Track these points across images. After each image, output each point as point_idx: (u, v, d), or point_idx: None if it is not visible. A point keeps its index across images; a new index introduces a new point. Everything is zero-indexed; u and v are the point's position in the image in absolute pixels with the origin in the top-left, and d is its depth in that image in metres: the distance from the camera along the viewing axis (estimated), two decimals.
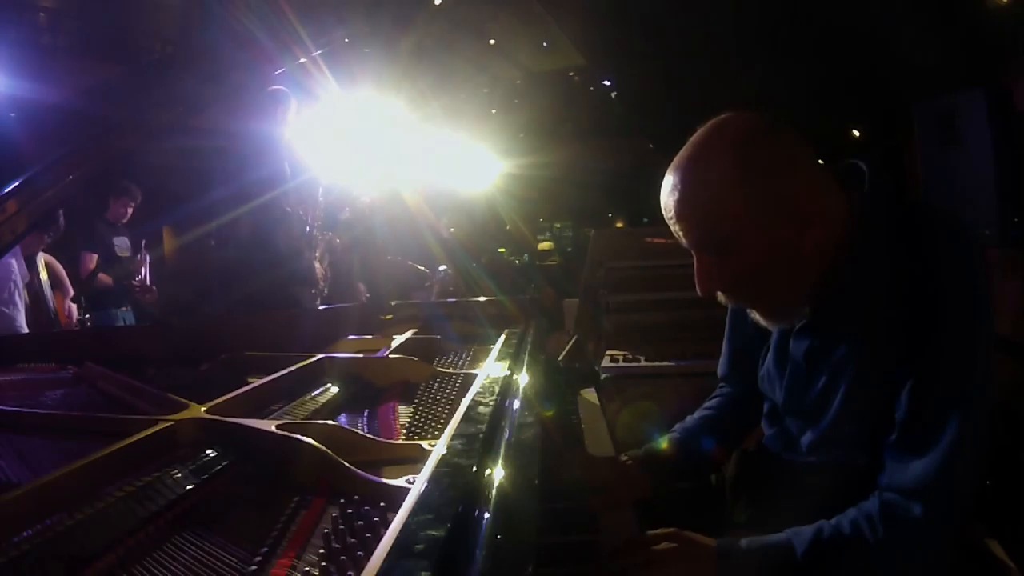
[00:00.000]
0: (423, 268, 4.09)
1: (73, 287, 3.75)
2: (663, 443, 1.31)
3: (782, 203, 0.90)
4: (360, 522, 0.73)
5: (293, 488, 0.84)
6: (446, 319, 2.12)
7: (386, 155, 3.34)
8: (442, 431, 0.98)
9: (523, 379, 1.31)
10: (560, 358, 2.15)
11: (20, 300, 3.19)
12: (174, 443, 0.95)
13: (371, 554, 0.57)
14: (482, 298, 2.34)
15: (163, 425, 0.96)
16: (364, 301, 3.66)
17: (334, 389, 1.32)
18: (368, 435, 1.02)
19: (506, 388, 1.15)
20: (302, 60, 1.47)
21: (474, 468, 0.77)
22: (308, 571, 0.67)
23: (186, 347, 1.66)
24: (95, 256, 3.90)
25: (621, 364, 2.49)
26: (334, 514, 0.75)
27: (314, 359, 1.43)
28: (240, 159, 2.65)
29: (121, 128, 1.27)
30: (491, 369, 1.32)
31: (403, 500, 0.67)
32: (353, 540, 0.70)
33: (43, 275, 3.43)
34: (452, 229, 4.33)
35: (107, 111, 1.33)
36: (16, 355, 1.60)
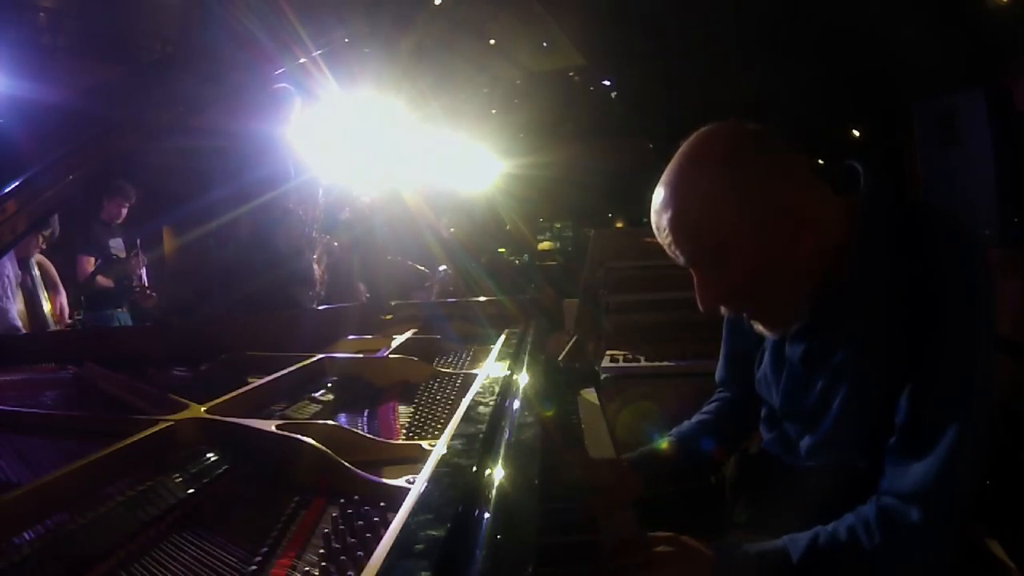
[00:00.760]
0: (423, 268, 4.09)
1: (71, 289, 3.75)
2: (662, 444, 1.31)
3: (773, 211, 0.89)
4: (360, 522, 0.73)
5: (293, 488, 0.84)
6: (446, 319, 2.12)
7: (386, 155, 3.34)
8: (442, 431, 0.98)
9: (523, 379, 1.31)
10: (560, 358, 2.15)
11: (12, 294, 3.19)
12: (174, 443, 0.95)
13: (371, 554, 0.57)
14: (482, 298, 2.34)
15: (163, 425, 0.96)
16: (364, 301, 3.67)
17: (334, 389, 1.32)
18: (368, 435, 1.02)
19: (506, 388, 1.15)
20: (302, 60, 1.47)
21: (474, 468, 0.77)
22: (308, 571, 0.67)
23: (186, 347, 1.66)
24: (92, 259, 3.90)
25: (621, 364, 2.49)
26: (334, 514, 0.75)
27: (314, 359, 1.43)
28: (240, 159, 2.65)
29: (121, 128, 1.27)
30: (491, 369, 1.32)
31: (403, 500, 0.67)
32: (353, 540, 0.70)
33: (36, 274, 3.43)
34: (452, 229, 4.33)
35: (107, 111, 1.32)
36: (16, 355, 1.60)
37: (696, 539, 0.94)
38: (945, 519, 0.84)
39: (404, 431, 1.12)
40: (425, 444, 0.96)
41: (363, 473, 0.84)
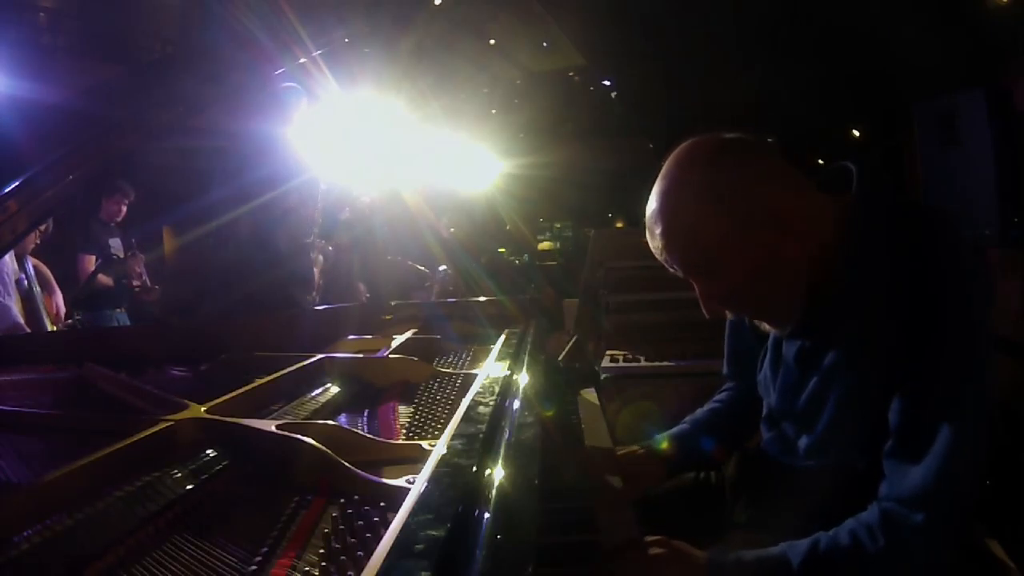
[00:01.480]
0: (423, 268, 4.09)
1: (70, 288, 3.75)
2: (663, 443, 1.31)
3: (759, 218, 0.91)
4: (360, 522, 0.73)
5: (293, 488, 0.84)
6: (446, 319, 2.12)
7: (386, 155, 3.34)
8: (442, 431, 0.98)
9: (523, 379, 1.31)
10: (560, 358, 2.15)
11: (12, 291, 3.19)
12: (174, 443, 0.95)
13: (371, 554, 0.57)
14: (482, 298, 2.34)
15: (163, 425, 0.96)
16: (364, 301, 3.66)
17: (334, 389, 1.32)
18: (368, 435, 1.02)
19: (506, 388, 1.15)
20: (302, 60, 1.47)
21: (474, 468, 0.77)
22: (308, 571, 0.67)
23: (186, 347, 1.66)
24: (92, 258, 3.90)
25: (621, 364, 2.49)
26: (334, 514, 0.75)
27: (314, 359, 1.43)
28: (240, 159, 2.65)
29: (121, 128, 1.27)
30: (491, 369, 1.32)
31: (403, 500, 0.67)
32: (353, 540, 0.70)
33: (31, 272, 3.43)
34: (452, 229, 4.33)
35: (107, 111, 1.32)
36: (16, 355, 1.59)
37: (696, 539, 0.95)
38: (947, 521, 0.83)
39: (404, 431, 1.12)
40: (425, 444, 0.96)
41: (363, 473, 0.84)
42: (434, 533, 0.59)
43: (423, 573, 0.52)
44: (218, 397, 1.09)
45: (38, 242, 3.51)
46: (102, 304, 3.92)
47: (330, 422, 1.04)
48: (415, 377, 1.39)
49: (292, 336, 1.77)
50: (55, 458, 0.92)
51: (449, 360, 1.68)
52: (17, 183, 1.12)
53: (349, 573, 0.65)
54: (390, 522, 0.63)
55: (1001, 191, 3.82)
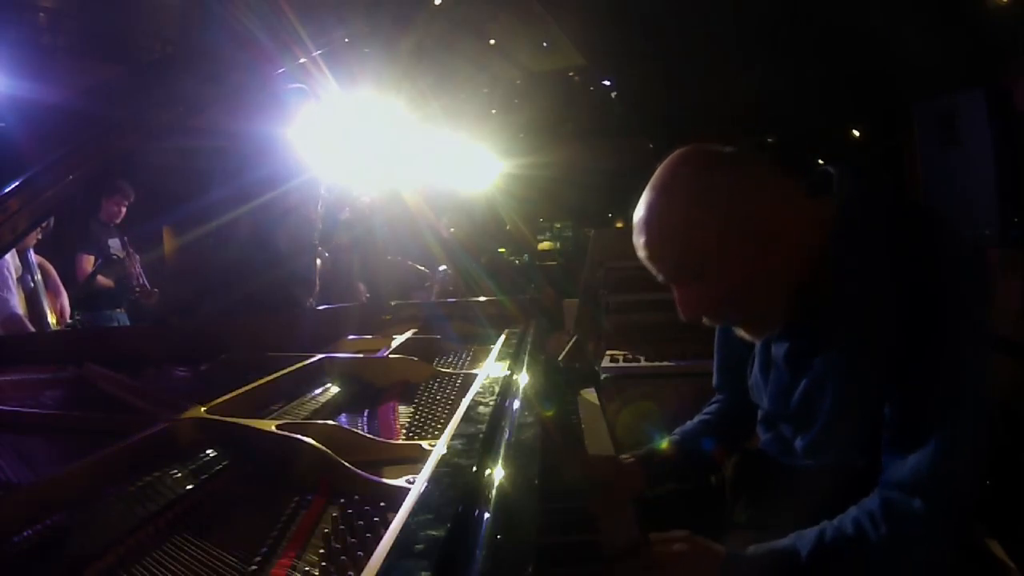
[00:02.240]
0: (423, 268, 4.08)
1: (71, 289, 3.74)
2: (663, 443, 1.31)
3: (744, 227, 0.93)
4: (360, 522, 0.73)
5: (293, 488, 0.84)
6: (446, 319, 2.12)
7: (386, 155, 3.33)
8: (442, 431, 0.98)
9: (523, 379, 1.31)
10: (560, 358, 2.15)
11: (13, 286, 3.19)
12: (174, 443, 0.95)
13: (371, 554, 0.57)
14: (482, 298, 2.34)
15: (163, 425, 0.96)
16: (364, 301, 3.66)
17: (334, 389, 1.32)
18: (368, 435, 1.02)
19: (506, 388, 1.15)
20: (302, 60, 1.47)
21: (474, 468, 0.77)
22: (308, 571, 0.67)
23: (186, 347, 1.66)
24: (91, 258, 3.89)
25: (621, 364, 2.49)
26: (334, 514, 0.75)
27: (314, 359, 1.43)
28: (240, 159, 2.65)
29: (121, 128, 1.27)
30: (491, 369, 1.32)
31: (403, 500, 0.67)
32: (353, 540, 0.70)
33: (37, 276, 3.42)
34: (452, 229, 4.33)
35: (107, 111, 1.32)
36: (16, 355, 1.59)
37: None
38: (946, 509, 0.84)
39: (404, 431, 1.12)
40: (425, 444, 0.96)
41: (363, 473, 0.84)
42: (434, 533, 0.59)
43: (423, 573, 0.52)
44: (218, 397, 1.09)
45: (40, 237, 3.50)
46: (102, 304, 3.92)
47: (330, 422, 1.04)
48: (415, 377, 1.39)
49: (292, 336, 1.77)
50: (55, 458, 0.92)
51: (449, 360, 1.69)
52: (17, 183, 1.12)
53: (349, 573, 0.65)
54: (390, 522, 0.63)
55: (1001, 191, 3.82)
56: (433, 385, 1.34)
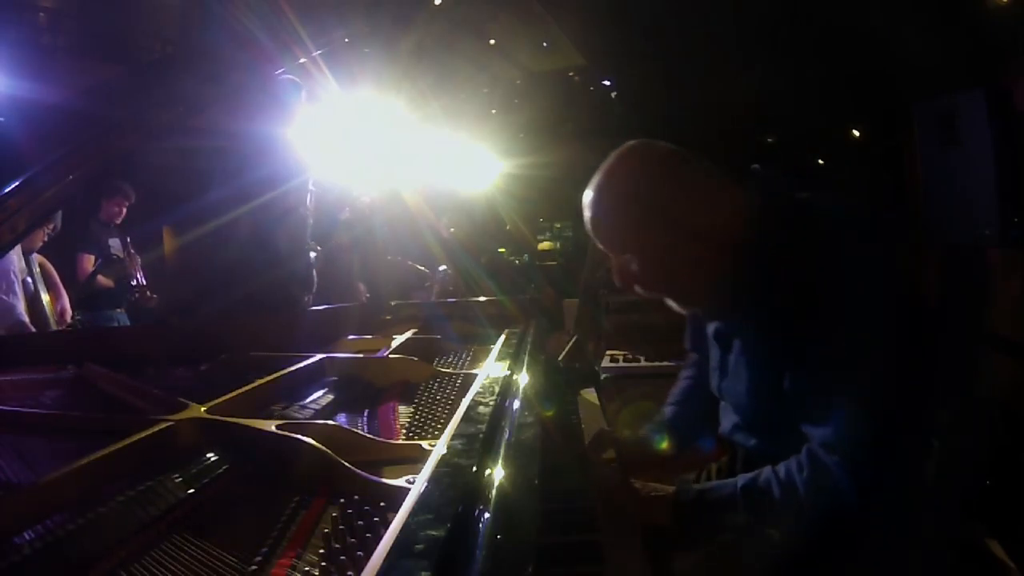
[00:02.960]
0: (423, 268, 4.08)
1: (71, 288, 3.74)
2: (663, 443, 1.32)
3: (665, 215, 1.06)
4: (360, 522, 0.73)
5: (293, 488, 0.84)
6: (446, 319, 2.12)
7: (386, 155, 3.33)
8: (442, 431, 0.98)
9: (523, 379, 1.31)
10: (560, 358, 2.15)
11: (19, 290, 3.19)
12: (174, 443, 0.95)
13: (371, 554, 0.57)
14: (482, 298, 2.34)
15: (163, 425, 0.96)
16: (364, 301, 3.66)
17: (334, 389, 1.32)
18: (368, 435, 1.02)
19: (506, 388, 1.15)
20: (302, 60, 1.47)
21: (474, 468, 0.77)
22: (308, 571, 0.67)
23: (186, 347, 1.66)
24: (92, 257, 3.89)
25: (621, 364, 2.49)
26: (334, 514, 0.75)
27: (314, 359, 1.43)
28: (240, 159, 2.64)
29: (121, 128, 1.27)
30: (491, 369, 1.32)
31: (403, 500, 0.67)
32: (353, 540, 0.70)
33: (37, 272, 3.42)
34: (452, 229, 4.33)
35: (107, 111, 1.32)
36: (16, 355, 1.59)
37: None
38: (855, 462, 0.96)
39: (404, 431, 1.12)
40: (425, 444, 0.96)
41: (363, 473, 0.84)
42: (434, 533, 0.59)
43: (423, 573, 0.52)
44: (218, 397, 1.09)
45: (45, 239, 3.50)
46: (102, 304, 3.91)
47: (330, 422, 1.04)
48: (415, 377, 1.39)
49: (292, 336, 1.77)
50: (55, 458, 0.92)
51: (449, 360, 1.69)
52: (17, 183, 1.12)
53: (349, 573, 0.65)
54: (390, 522, 0.63)
55: (1001, 191, 3.82)
56: (433, 385, 1.34)
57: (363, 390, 1.36)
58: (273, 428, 0.94)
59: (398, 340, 1.73)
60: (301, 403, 1.22)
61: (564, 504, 1.10)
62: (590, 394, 1.91)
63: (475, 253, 4.07)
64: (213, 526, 0.76)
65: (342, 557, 0.67)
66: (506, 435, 0.96)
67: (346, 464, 0.85)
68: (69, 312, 3.64)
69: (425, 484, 0.71)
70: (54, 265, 3.67)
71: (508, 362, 1.37)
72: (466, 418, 0.96)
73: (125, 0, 7.55)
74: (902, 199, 4.41)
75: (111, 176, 3.86)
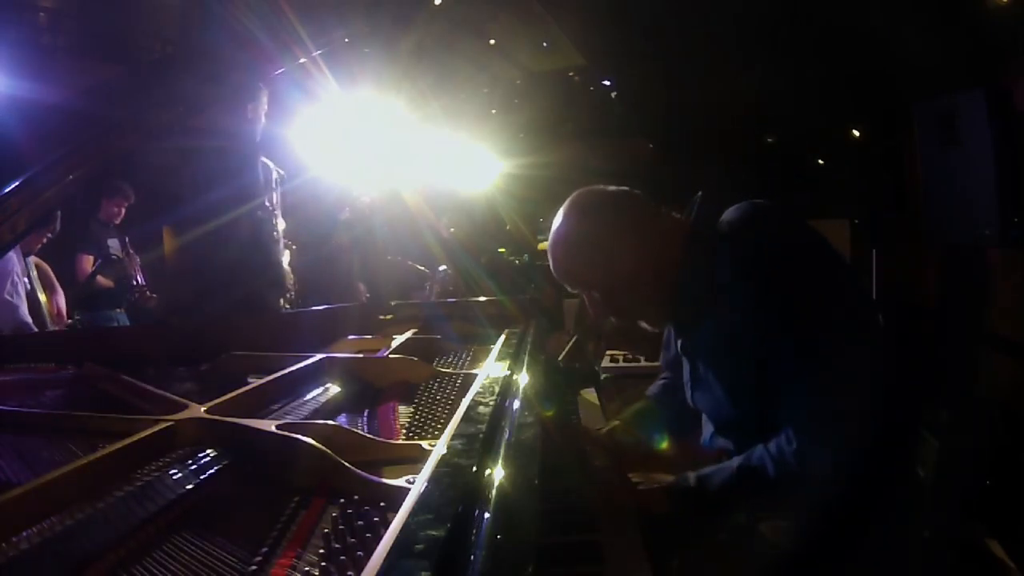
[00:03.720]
0: (423, 268, 4.08)
1: (71, 289, 3.74)
2: (663, 443, 1.32)
3: (619, 253, 1.18)
4: (360, 522, 0.73)
5: (293, 488, 0.84)
6: (446, 319, 2.12)
7: (386, 155, 3.33)
8: (442, 431, 0.98)
9: (523, 379, 1.31)
10: (560, 358, 2.15)
11: (23, 291, 3.19)
12: (174, 443, 0.95)
13: (371, 554, 0.57)
14: (482, 298, 2.34)
15: (163, 425, 0.96)
16: (364, 301, 3.66)
17: (334, 389, 1.32)
18: (368, 435, 1.02)
19: (506, 388, 1.15)
20: (302, 60, 1.47)
21: (474, 468, 0.77)
22: (308, 571, 0.67)
23: (186, 347, 1.66)
24: (92, 258, 3.89)
25: (621, 364, 2.48)
26: (334, 514, 0.75)
27: (314, 359, 1.43)
28: (240, 159, 2.64)
29: (121, 128, 1.27)
30: (491, 369, 1.32)
31: (403, 500, 0.67)
32: (353, 540, 0.70)
33: (33, 275, 3.43)
34: (452, 229, 4.32)
35: (107, 111, 1.32)
36: (16, 355, 1.59)
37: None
38: (830, 443, 1.04)
39: (404, 431, 1.12)
40: (425, 444, 0.96)
41: (363, 473, 0.84)
42: (434, 533, 0.59)
43: (423, 573, 0.52)
44: (218, 397, 1.09)
45: (44, 242, 3.51)
46: (102, 304, 3.92)
47: (330, 422, 1.04)
48: (415, 377, 1.39)
49: (292, 336, 1.77)
50: (55, 458, 0.92)
51: (449, 360, 1.68)
52: (17, 183, 1.12)
53: (349, 573, 0.65)
54: (390, 522, 0.63)
55: (1001, 191, 3.81)
56: (433, 385, 1.34)
57: (363, 390, 1.36)
58: (273, 428, 0.94)
59: (398, 340, 1.73)
60: (301, 403, 1.22)
61: (564, 504, 1.10)
62: (590, 394, 1.91)
63: (475, 253, 4.06)
64: (213, 526, 0.76)
65: (342, 557, 0.67)
66: (506, 435, 0.96)
67: (346, 464, 0.85)
68: (65, 312, 3.64)
69: (425, 484, 0.71)
70: (54, 265, 3.67)
71: (508, 362, 1.37)
72: (466, 418, 0.96)
73: (125, 0, 7.54)
74: (902, 199, 4.41)
75: (111, 176, 3.86)
